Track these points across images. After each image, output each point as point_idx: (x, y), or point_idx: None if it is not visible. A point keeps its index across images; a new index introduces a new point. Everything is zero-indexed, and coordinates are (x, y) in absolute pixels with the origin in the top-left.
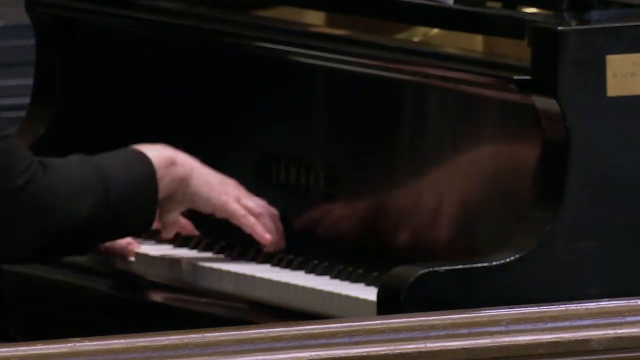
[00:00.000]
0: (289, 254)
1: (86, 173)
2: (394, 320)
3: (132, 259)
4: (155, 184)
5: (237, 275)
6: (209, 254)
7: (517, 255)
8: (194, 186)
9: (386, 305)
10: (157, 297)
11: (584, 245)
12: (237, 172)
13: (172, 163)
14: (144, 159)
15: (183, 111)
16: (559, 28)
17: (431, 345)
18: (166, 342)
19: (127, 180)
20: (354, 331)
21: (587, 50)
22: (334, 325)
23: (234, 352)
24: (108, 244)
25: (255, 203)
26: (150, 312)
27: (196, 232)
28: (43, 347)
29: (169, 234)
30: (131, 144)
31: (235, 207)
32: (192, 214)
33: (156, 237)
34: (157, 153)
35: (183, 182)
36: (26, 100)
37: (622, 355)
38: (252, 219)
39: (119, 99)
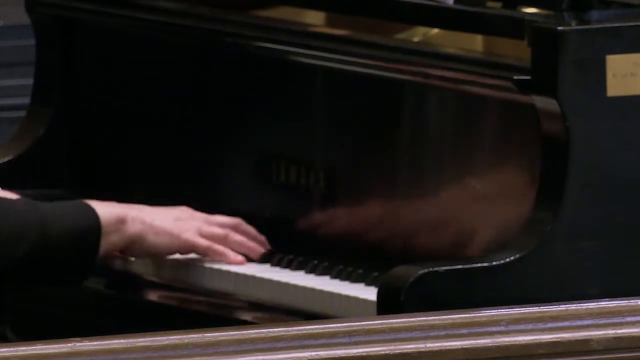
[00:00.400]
0: (289, 254)
1: (25, 215)
2: (394, 320)
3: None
4: (97, 237)
5: (237, 275)
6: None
7: (517, 255)
8: (149, 240)
9: (386, 305)
10: (157, 297)
11: (584, 245)
12: (237, 172)
13: (121, 221)
14: (91, 212)
15: (183, 111)
16: (559, 28)
17: (431, 345)
18: (166, 342)
19: (68, 229)
20: (354, 331)
21: (587, 50)
22: (334, 325)
23: (234, 352)
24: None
25: (216, 226)
26: (150, 312)
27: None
28: (43, 347)
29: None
30: (131, 144)
31: (198, 242)
32: None
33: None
34: (106, 210)
35: (137, 239)
36: (26, 100)
37: (622, 355)
38: (219, 248)
39: (119, 99)
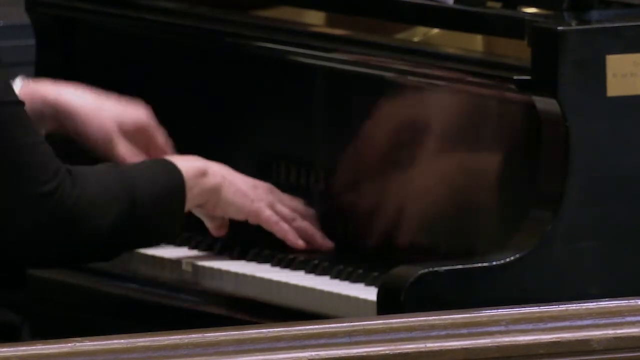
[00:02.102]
0: (289, 254)
1: (113, 183)
2: (394, 320)
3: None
4: (184, 195)
5: (237, 275)
6: (209, 254)
7: (517, 255)
8: (225, 196)
9: (386, 305)
10: (157, 297)
11: (584, 245)
12: (237, 172)
13: (202, 174)
14: (174, 170)
15: (183, 111)
16: (559, 28)
17: (431, 345)
18: (166, 342)
19: (155, 191)
20: (354, 331)
21: (587, 50)
22: (334, 325)
23: (234, 352)
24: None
25: (289, 208)
26: (151, 312)
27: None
28: (43, 347)
29: (219, 233)
30: None
31: (267, 214)
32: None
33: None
34: (187, 164)
35: (214, 192)
36: None
37: (622, 355)
38: (284, 226)
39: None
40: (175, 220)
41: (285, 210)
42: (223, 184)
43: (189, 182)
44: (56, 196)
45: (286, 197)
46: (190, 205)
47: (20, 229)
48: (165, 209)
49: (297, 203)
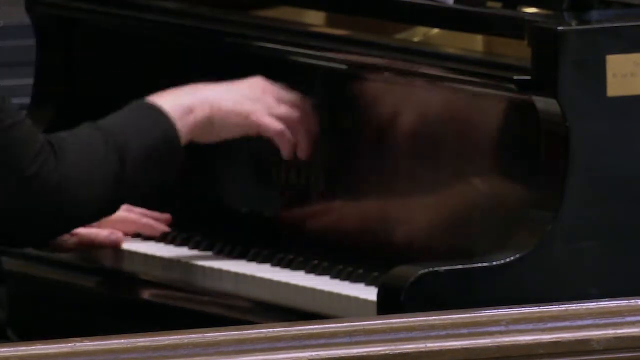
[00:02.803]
0: (289, 254)
1: (98, 147)
2: (394, 320)
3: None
4: (176, 142)
5: (237, 275)
6: (209, 254)
7: (517, 255)
8: (218, 123)
9: (386, 305)
10: (157, 297)
11: (584, 245)
12: (238, 172)
13: (190, 110)
14: (160, 116)
15: None
16: (559, 28)
17: (431, 345)
18: (166, 342)
19: (144, 145)
20: (354, 331)
21: (587, 50)
22: (334, 325)
23: (234, 352)
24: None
25: (288, 106)
26: (150, 312)
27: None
28: (43, 347)
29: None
30: None
31: (267, 123)
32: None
33: (156, 237)
34: (172, 104)
35: (206, 124)
36: (26, 100)
37: (622, 355)
38: (284, 135)
39: (119, 99)
40: (169, 170)
41: (285, 111)
42: (212, 113)
43: (177, 123)
44: (40, 177)
45: (282, 94)
46: (183, 142)
47: (6, 213)
48: (158, 161)
49: (291, 96)
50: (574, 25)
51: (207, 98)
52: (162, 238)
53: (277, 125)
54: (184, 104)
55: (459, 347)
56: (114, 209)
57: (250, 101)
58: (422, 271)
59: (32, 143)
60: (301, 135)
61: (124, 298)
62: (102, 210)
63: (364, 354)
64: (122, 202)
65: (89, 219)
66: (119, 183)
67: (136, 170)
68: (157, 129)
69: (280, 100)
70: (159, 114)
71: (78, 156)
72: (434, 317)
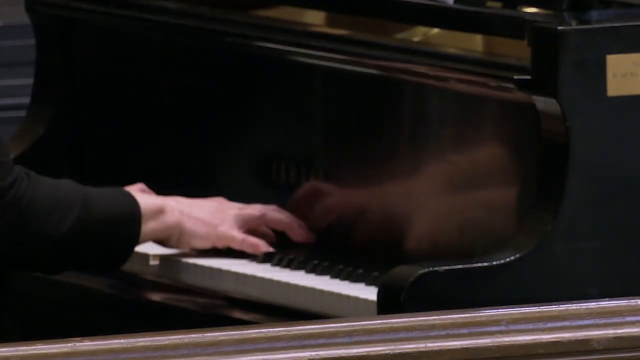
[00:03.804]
0: (289, 254)
1: (70, 194)
2: (394, 320)
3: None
4: (138, 224)
5: (237, 275)
6: (209, 254)
7: (517, 255)
8: (187, 230)
9: (386, 305)
10: (157, 297)
11: (584, 245)
12: (238, 172)
13: (160, 210)
14: (132, 199)
15: (183, 111)
16: (559, 28)
17: (431, 345)
18: (166, 342)
19: (110, 211)
20: (354, 331)
21: (587, 50)
22: (334, 325)
23: (234, 352)
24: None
25: (251, 215)
26: (150, 312)
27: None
28: (43, 347)
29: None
30: (131, 144)
31: (233, 235)
32: None
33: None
34: (146, 199)
35: (174, 228)
36: (26, 100)
37: (622, 355)
38: (253, 241)
39: (119, 99)
40: (125, 246)
41: (253, 212)
42: (182, 219)
43: (145, 215)
44: (9, 195)
45: (245, 206)
46: (146, 237)
47: None
48: (117, 233)
49: (256, 206)
50: (574, 25)
51: (178, 205)
52: None
53: (241, 237)
54: (157, 204)
55: (459, 347)
56: (65, 261)
57: (218, 214)
58: (422, 271)
59: (7, 163)
60: (280, 224)
61: (124, 298)
62: (56, 253)
63: (364, 354)
64: (74, 260)
65: (41, 258)
66: (77, 236)
67: (95, 233)
68: (124, 207)
69: (243, 210)
70: (130, 198)
71: (50, 191)
72: (434, 317)
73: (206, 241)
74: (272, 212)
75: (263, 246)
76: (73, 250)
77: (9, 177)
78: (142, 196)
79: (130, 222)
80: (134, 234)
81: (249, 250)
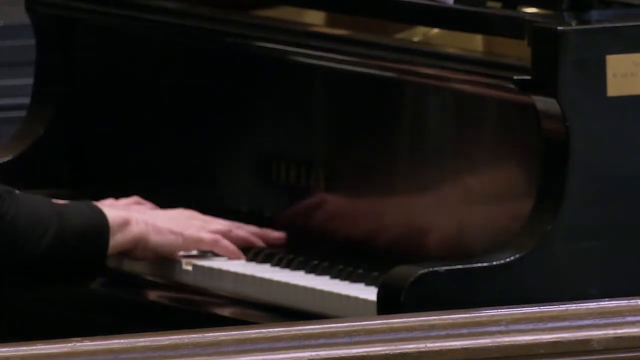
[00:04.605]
0: (289, 254)
1: (46, 208)
2: (394, 320)
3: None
4: (107, 235)
5: (237, 275)
6: (209, 254)
7: (517, 255)
8: (153, 240)
9: (386, 305)
10: (156, 297)
11: (584, 245)
12: (237, 172)
13: (126, 222)
14: (100, 212)
15: (183, 111)
16: (559, 28)
17: (431, 345)
18: (166, 342)
19: (82, 224)
20: (354, 331)
21: (587, 50)
22: (334, 325)
23: (234, 352)
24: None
25: (220, 224)
26: (150, 312)
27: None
28: (43, 347)
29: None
30: (131, 144)
31: (202, 236)
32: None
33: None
34: (111, 210)
35: (139, 240)
36: (26, 100)
37: (622, 355)
38: (225, 243)
39: (119, 99)
40: (97, 259)
41: (218, 226)
42: (147, 230)
43: (113, 227)
44: None
45: (209, 218)
46: (113, 250)
47: None
48: (90, 245)
49: (221, 221)
50: (574, 25)
51: (143, 216)
52: None
53: (210, 236)
54: (123, 216)
55: (459, 347)
56: (43, 275)
57: (183, 221)
58: (422, 271)
59: None
60: (243, 241)
61: (124, 298)
62: (38, 269)
63: (364, 354)
64: (51, 275)
65: (21, 274)
66: (54, 252)
67: (71, 247)
68: (94, 220)
69: (209, 221)
70: (98, 211)
71: (29, 211)
72: (434, 317)
73: (174, 248)
74: (237, 230)
75: (235, 250)
76: (48, 268)
77: None
78: (107, 208)
79: (100, 235)
80: (104, 245)
81: (221, 252)
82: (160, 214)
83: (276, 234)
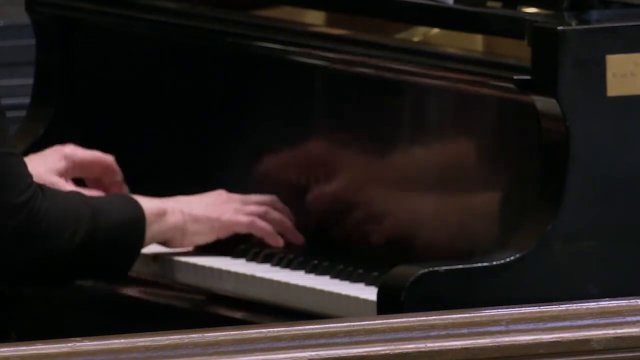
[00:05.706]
0: (289, 253)
1: (80, 205)
2: (394, 320)
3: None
4: (143, 229)
5: (237, 275)
6: (209, 254)
7: (517, 255)
8: (190, 228)
9: (386, 305)
10: (157, 297)
11: (584, 245)
12: (237, 172)
13: (162, 212)
14: (135, 204)
15: (183, 111)
16: (559, 28)
17: (431, 345)
18: (166, 342)
19: (118, 219)
20: (354, 331)
21: (587, 50)
22: (334, 325)
23: (234, 352)
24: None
25: (254, 205)
26: (150, 312)
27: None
28: (43, 347)
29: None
30: (131, 143)
31: (239, 219)
32: None
33: None
34: (147, 202)
35: (176, 229)
36: (26, 100)
37: (622, 355)
38: (262, 225)
39: (119, 99)
40: (131, 252)
41: (254, 208)
42: (183, 219)
43: (149, 219)
44: (28, 207)
45: (245, 197)
46: (150, 241)
47: None
48: (124, 239)
49: (258, 197)
50: (574, 25)
51: (179, 205)
52: None
53: (248, 218)
54: (159, 206)
55: (459, 347)
56: (77, 271)
57: (218, 206)
58: (422, 271)
59: (25, 175)
60: (279, 224)
61: (123, 298)
62: (69, 264)
63: (364, 354)
64: (85, 269)
65: (56, 270)
66: (88, 246)
67: (104, 241)
68: (130, 214)
69: (246, 202)
70: (134, 204)
71: (62, 205)
72: (434, 317)
73: (210, 236)
74: (272, 212)
75: (272, 233)
76: (84, 260)
77: (27, 192)
78: (143, 200)
79: (135, 228)
80: (139, 239)
81: (258, 233)
82: (196, 200)
83: (296, 235)
